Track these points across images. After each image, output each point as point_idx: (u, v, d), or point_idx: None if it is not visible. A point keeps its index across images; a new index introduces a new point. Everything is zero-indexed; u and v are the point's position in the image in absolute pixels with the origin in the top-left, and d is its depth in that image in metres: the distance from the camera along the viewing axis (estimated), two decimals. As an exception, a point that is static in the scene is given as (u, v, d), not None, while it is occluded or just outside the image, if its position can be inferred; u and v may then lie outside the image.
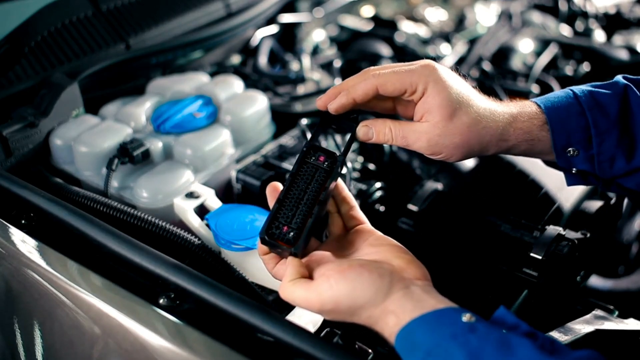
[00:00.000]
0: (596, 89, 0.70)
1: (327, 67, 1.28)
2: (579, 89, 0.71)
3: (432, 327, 0.55)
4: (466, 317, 0.55)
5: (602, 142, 0.68)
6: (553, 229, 0.81)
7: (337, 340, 0.71)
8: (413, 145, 0.68)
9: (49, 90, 0.99)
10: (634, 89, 0.69)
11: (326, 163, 0.68)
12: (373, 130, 0.69)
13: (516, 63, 1.39)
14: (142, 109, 1.00)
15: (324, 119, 0.70)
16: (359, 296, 0.58)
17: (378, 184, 0.92)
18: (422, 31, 1.53)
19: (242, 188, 0.95)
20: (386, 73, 0.67)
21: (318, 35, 1.49)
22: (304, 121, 1.01)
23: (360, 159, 1.01)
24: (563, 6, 1.70)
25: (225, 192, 0.97)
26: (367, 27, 1.53)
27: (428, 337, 0.55)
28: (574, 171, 0.72)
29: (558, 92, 0.72)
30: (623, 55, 1.41)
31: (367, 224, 0.71)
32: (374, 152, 1.06)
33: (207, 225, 0.82)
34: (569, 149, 0.69)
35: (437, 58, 1.39)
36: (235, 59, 1.37)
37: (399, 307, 0.57)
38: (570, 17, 1.69)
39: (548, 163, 0.89)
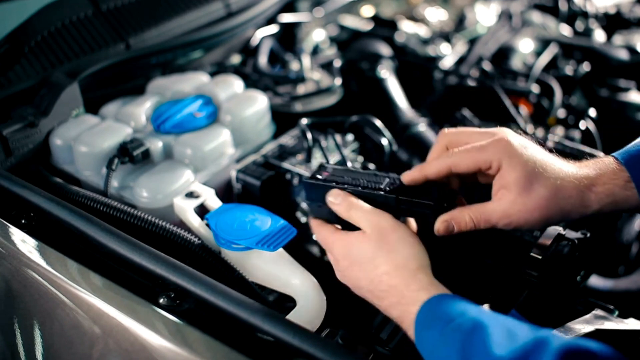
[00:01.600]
0: None
1: (327, 67, 1.28)
2: None
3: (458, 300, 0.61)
4: None
5: None
6: (553, 229, 0.81)
7: (337, 340, 0.71)
8: (498, 225, 0.68)
9: (49, 90, 0.99)
10: None
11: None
12: (453, 222, 0.69)
13: (516, 63, 1.39)
14: (142, 109, 1.00)
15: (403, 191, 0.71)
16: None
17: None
18: (422, 31, 1.53)
19: (242, 188, 0.95)
20: (459, 152, 0.69)
21: (318, 35, 1.49)
22: (304, 121, 1.01)
23: (360, 158, 1.01)
24: (563, 6, 1.70)
25: (225, 192, 0.97)
26: (367, 27, 1.53)
27: (456, 306, 0.60)
28: None
29: (638, 141, 0.69)
30: (623, 55, 1.41)
31: None
32: (374, 152, 1.06)
33: (207, 225, 0.82)
34: None
35: (437, 58, 1.39)
36: (236, 59, 1.37)
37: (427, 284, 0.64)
38: (571, 17, 1.69)
39: None
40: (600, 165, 0.68)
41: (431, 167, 0.70)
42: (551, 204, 0.66)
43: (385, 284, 0.65)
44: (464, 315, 0.58)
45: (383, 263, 0.66)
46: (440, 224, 0.69)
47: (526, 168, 0.66)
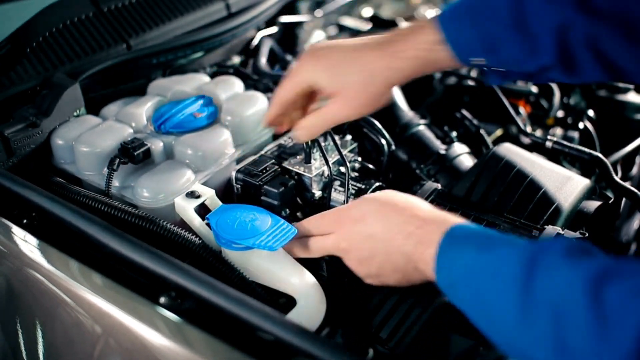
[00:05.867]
0: None
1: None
2: None
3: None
4: None
5: (500, 50, 0.70)
6: (552, 229, 0.81)
7: (337, 339, 0.72)
8: (339, 116, 0.79)
9: (50, 91, 1.00)
10: None
11: None
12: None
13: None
14: (143, 109, 1.01)
15: None
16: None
17: (377, 184, 0.93)
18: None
19: (242, 188, 0.95)
20: (279, 87, 0.82)
21: (318, 36, 1.49)
22: (304, 121, 1.01)
23: (359, 158, 1.02)
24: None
25: (226, 192, 0.97)
26: (367, 27, 1.53)
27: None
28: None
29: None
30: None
31: None
32: (373, 152, 1.06)
33: (208, 224, 0.82)
34: (472, 59, 0.72)
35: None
36: (236, 60, 1.37)
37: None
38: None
39: None
40: (414, 28, 0.75)
41: (271, 109, 0.83)
42: (372, 84, 0.74)
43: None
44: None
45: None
46: (298, 134, 0.83)
47: (335, 69, 0.76)
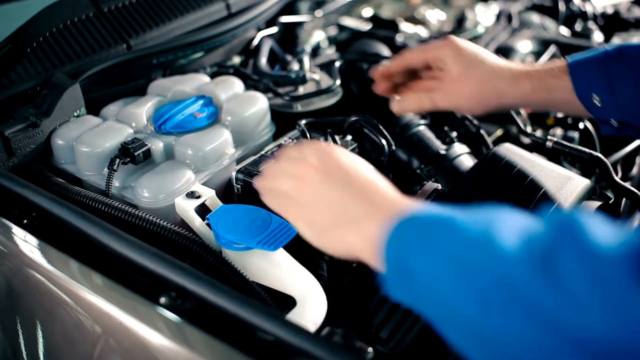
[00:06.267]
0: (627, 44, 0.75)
1: (327, 67, 1.29)
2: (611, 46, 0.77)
3: None
4: None
5: (623, 88, 0.73)
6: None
7: (337, 339, 0.72)
8: (440, 105, 0.83)
9: (50, 91, 1.00)
10: None
11: None
12: (404, 103, 0.89)
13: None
14: (143, 110, 1.01)
15: None
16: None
17: (378, 184, 0.93)
18: (422, 32, 1.54)
19: (242, 188, 0.95)
20: (412, 49, 0.91)
21: (318, 36, 1.49)
22: (304, 122, 1.01)
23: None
24: (562, 7, 1.70)
25: (226, 193, 0.97)
26: (367, 27, 1.53)
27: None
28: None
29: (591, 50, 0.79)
30: (622, 56, 1.41)
31: None
32: (373, 152, 1.06)
33: (208, 224, 0.82)
34: (593, 95, 0.75)
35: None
36: (236, 60, 1.37)
37: None
38: (569, 18, 1.69)
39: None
40: (546, 65, 0.79)
41: (392, 63, 0.89)
42: (485, 83, 0.79)
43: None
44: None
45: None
46: (395, 105, 0.90)
47: (466, 58, 0.80)
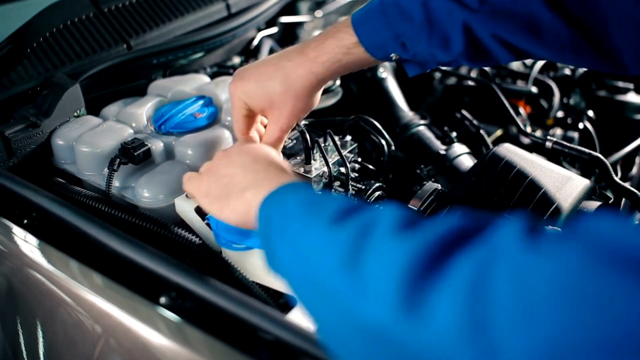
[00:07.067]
0: None
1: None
2: None
3: None
4: None
5: (415, 46, 0.75)
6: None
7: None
8: (281, 129, 0.81)
9: (51, 91, 1.00)
10: None
11: None
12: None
13: (515, 64, 1.39)
14: (143, 110, 1.01)
15: None
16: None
17: (377, 184, 0.93)
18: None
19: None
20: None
21: (318, 36, 1.49)
22: (303, 122, 1.01)
23: (359, 159, 1.02)
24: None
25: (226, 192, 0.97)
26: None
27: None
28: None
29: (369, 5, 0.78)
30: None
31: None
32: (373, 152, 1.06)
33: (208, 225, 0.82)
34: (391, 55, 0.77)
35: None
36: (236, 60, 1.37)
37: None
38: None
39: None
40: (332, 32, 0.78)
41: (235, 131, 0.84)
42: (286, 89, 0.77)
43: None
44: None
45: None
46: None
47: (258, 82, 0.78)
